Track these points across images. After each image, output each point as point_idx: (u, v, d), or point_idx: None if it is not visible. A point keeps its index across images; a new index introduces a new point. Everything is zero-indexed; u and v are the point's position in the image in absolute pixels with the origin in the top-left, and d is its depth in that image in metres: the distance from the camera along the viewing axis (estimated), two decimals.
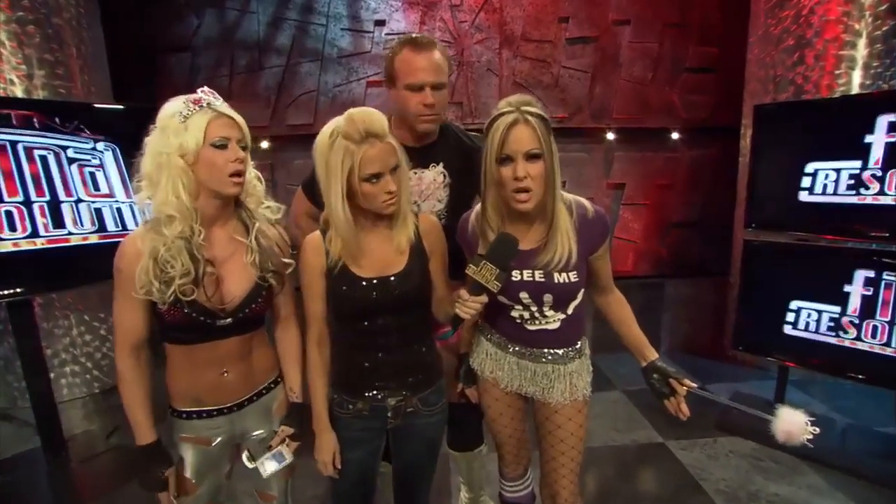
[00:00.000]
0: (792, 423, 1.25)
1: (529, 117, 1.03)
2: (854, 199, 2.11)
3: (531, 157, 1.04)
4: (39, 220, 2.04)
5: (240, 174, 1.01)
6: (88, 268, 2.15)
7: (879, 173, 2.04)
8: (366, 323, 1.12)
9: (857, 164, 2.08)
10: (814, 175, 2.20)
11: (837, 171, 2.14)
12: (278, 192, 3.67)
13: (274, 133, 3.55)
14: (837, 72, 2.54)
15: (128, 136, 2.17)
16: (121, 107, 2.61)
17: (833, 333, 2.19)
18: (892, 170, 2.00)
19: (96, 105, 2.54)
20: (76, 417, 2.80)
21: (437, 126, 1.40)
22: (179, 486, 1.09)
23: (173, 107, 0.99)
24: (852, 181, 2.10)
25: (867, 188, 2.07)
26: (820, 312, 2.22)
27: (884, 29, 2.46)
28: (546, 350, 1.24)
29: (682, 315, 3.59)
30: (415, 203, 1.42)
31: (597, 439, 2.35)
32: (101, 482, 2.21)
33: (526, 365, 1.25)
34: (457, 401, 1.40)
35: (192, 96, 1.00)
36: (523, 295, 1.16)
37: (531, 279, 1.15)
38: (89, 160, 2.19)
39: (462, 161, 1.42)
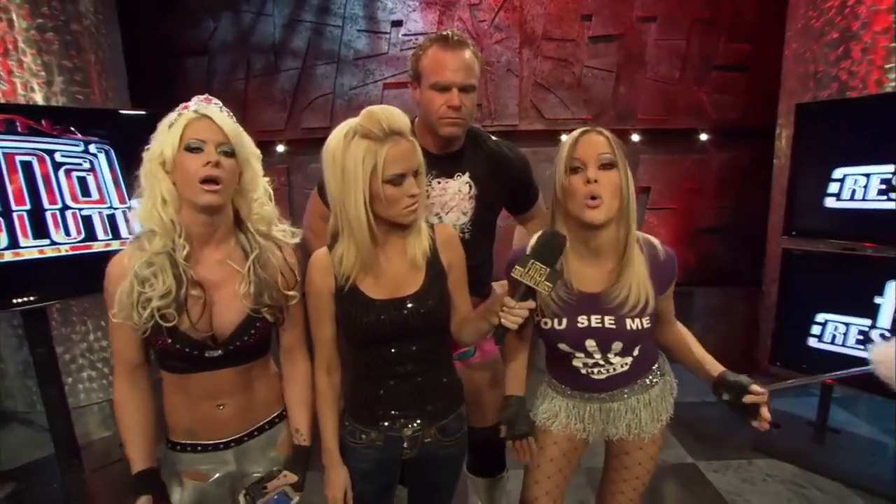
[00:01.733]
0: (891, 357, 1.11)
1: (603, 130, 1.01)
2: None
3: (604, 165, 0.98)
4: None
5: (215, 181, 0.89)
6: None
7: None
8: (379, 348, 1.03)
9: None
10: (867, 178, 2.04)
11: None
12: (294, 197, 3.64)
13: (290, 136, 3.51)
14: (888, 66, 2.35)
15: (123, 137, 2.14)
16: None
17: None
18: None
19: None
20: (93, 423, 2.79)
21: (462, 132, 1.28)
22: None
23: (170, 114, 0.92)
24: None
25: None
26: (866, 327, 2.05)
27: None
28: (625, 389, 1.15)
29: (711, 326, 3.42)
30: (436, 215, 1.32)
31: None
32: (114, 491, 2.18)
33: (610, 407, 1.16)
34: (481, 426, 1.30)
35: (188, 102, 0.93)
36: (589, 343, 1.07)
37: (600, 325, 1.05)
38: (80, 164, 2.09)
39: (490, 170, 1.33)
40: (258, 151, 1.02)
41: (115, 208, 2.15)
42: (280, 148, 3.48)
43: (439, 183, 1.30)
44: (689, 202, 3.46)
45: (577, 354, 1.11)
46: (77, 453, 2.30)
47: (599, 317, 1.05)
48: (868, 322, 2.03)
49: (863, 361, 1.97)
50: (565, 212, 1.03)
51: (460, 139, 1.31)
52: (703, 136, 3.36)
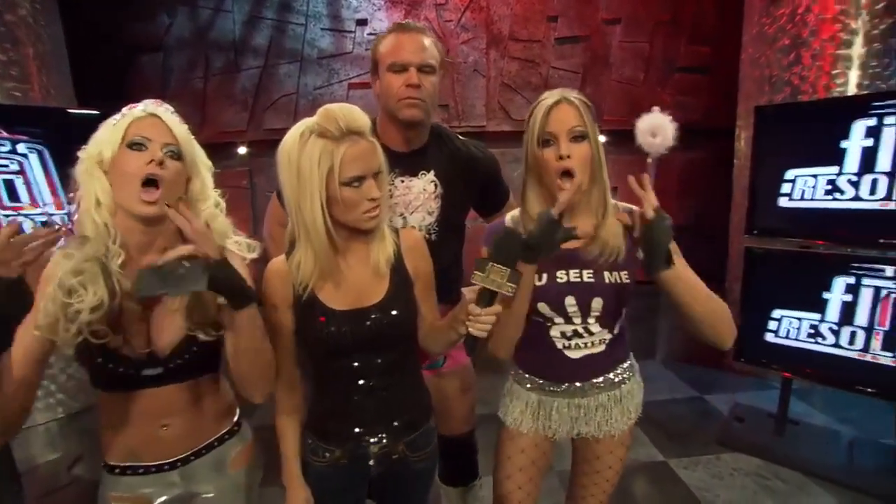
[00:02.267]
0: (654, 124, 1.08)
1: (573, 99, 0.99)
2: (870, 205, 2.02)
3: (576, 137, 0.97)
4: None
5: (156, 184, 0.81)
6: None
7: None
8: (341, 361, 0.97)
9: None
10: (815, 179, 2.13)
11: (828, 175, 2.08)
12: (257, 200, 3.51)
13: (252, 138, 3.39)
14: (835, 72, 2.47)
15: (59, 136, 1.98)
16: None
17: (832, 343, 2.11)
18: None
19: None
20: (38, 445, 2.59)
21: (423, 115, 1.22)
22: None
23: (116, 115, 0.85)
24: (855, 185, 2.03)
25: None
26: (819, 322, 2.13)
27: (881, 27, 2.39)
28: (598, 380, 1.12)
29: (677, 323, 3.49)
30: (401, 216, 1.27)
31: None
32: None
33: (579, 403, 1.12)
34: (452, 434, 1.26)
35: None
36: (569, 301, 1.04)
37: (579, 279, 1.03)
38: (7, 166, 1.94)
39: (456, 169, 1.29)
40: (210, 163, 0.94)
41: (52, 214, 2.00)
42: (242, 150, 3.36)
43: (403, 182, 1.26)
44: None
45: (556, 321, 1.07)
46: (17, 480, 2.13)
47: (578, 271, 1.03)
48: (818, 316, 2.12)
49: (813, 354, 2.13)
50: (538, 180, 1.03)
51: (424, 132, 1.27)
52: None
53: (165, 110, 0.87)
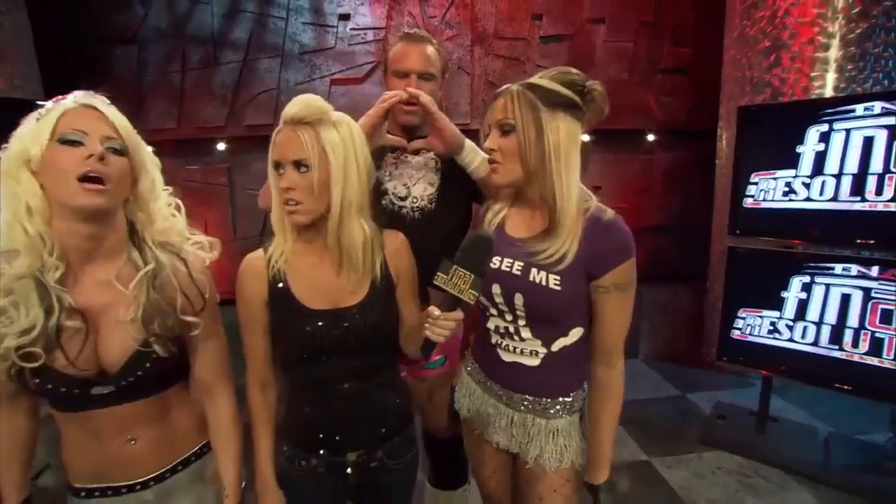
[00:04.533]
0: None
1: (523, 88, 0.92)
2: (848, 206, 2.06)
3: (504, 131, 0.94)
4: None
5: (99, 180, 0.73)
6: None
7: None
8: (317, 364, 0.93)
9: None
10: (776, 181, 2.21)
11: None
12: (237, 198, 3.42)
13: (231, 134, 3.29)
14: (813, 74, 2.50)
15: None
16: None
17: (835, 346, 2.12)
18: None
19: None
20: None
21: (419, 120, 1.29)
22: None
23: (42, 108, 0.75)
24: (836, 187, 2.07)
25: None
26: (831, 325, 2.15)
27: (857, 31, 2.44)
28: (523, 395, 1.03)
29: (659, 322, 3.53)
30: (405, 185, 1.32)
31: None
32: None
33: (501, 410, 1.06)
34: (442, 436, 1.23)
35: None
36: (495, 289, 0.98)
37: (508, 269, 0.97)
38: None
39: None
40: (157, 160, 0.87)
41: None
42: (221, 146, 3.26)
43: (406, 157, 1.34)
44: (637, 201, 3.56)
45: (491, 311, 1.03)
46: None
47: (511, 260, 0.97)
48: (833, 320, 2.13)
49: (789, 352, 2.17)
50: None
51: (423, 130, 1.33)
52: (650, 137, 3.46)
53: (101, 101, 0.78)
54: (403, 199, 1.31)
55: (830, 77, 2.52)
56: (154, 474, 0.89)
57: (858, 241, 2.07)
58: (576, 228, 0.92)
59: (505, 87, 0.96)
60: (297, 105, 0.85)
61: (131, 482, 0.87)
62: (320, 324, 0.91)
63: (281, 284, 0.91)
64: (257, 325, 0.94)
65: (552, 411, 1.02)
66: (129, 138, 0.79)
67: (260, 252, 0.94)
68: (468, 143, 1.23)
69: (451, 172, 1.33)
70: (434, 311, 0.82)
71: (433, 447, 1.47)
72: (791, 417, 2.52)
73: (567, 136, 0.92)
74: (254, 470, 0.99)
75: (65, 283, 0.76)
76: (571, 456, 1.03)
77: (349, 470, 0.98)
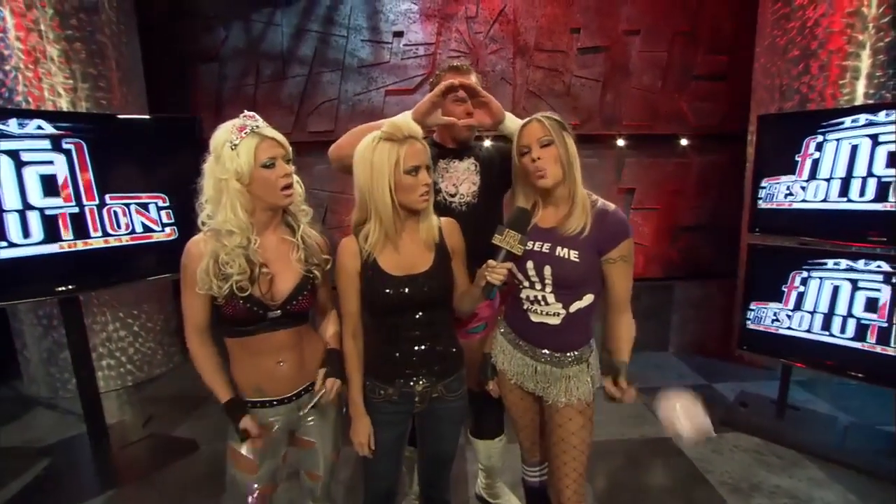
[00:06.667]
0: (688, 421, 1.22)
1: (542, 118, 1.27)
2: (844, 206, 2.24)
3: (544, 145, 1.24)
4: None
5: (289, 186, 1.17)
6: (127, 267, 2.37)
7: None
8: (396, 317, 1.26)
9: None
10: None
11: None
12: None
13: (297, 139, 3.70)
14: (842, 82, 2.63)
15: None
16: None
17: (826, 332, 2.31)
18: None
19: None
20: (112, 408, 2.97)
21: (472, 134, 1.64)
22: (241, 463, 1.24)
23: (222, 136, 1.13)
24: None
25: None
26: (822, 314, 2.31)
27: (886, 40, 2.55)
28: (545, 351, 1.34)
29: (690, 316, 3.68)
30: (454, 185, 1.63)
31: (604, 432, 2.45)
32: (139, 467, 2.37)
33: (528, 362, 1.37)
34: (477, 389, 1.53)
35: (237, 123, 1.13)
36: (529, 265, 1.29)
37: (538, 250, 1.29)
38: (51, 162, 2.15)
39: (491, 154, 1.67)
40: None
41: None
42: None
43: (453, 163, 1.64)
44: (670, 202, 3.72)
45: (524, 284, 1.32)
46: (105, 432, 2.50)
47: (541, 243, 1.29)
48: (844, 310, 2.29)
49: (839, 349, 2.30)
50: (524, 181, 1.33)
51: (471, 141, 1.67)
52: (684, 141, 3.62)
53: (265, 125, 1.16)
54: (453, 196, 1.62)
55: (860, 84, 2.63)
56: (294, 392, 1.27)
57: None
58: (587, 211, 1.26)
59: (530, 118, 1.29)
60: (412, 125, 1.23)
61: (281, 397, 1.25)
62: (400, 286, 1.23)
63: (371, 257, 1.24)
64: (352, 291, 1.27)
65: (564, 362, 1.33)
66: (289, 149, 1.19)
67: (352, 237, 1.28)
68: (508, 114, 1.55)
69: (488, 173, 1.64)
70: (492, 262, 1.18)
71: (472, 400, 1.75)
72: (813, 408, 2.65)
73: (574, 149, 1.27)
74: (347, 400, 1.32)
75: (258, 247, 1.17)
76: (580, 394, 1.33)
77: (416, 398, 1.30)
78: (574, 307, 1.30)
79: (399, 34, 3.60)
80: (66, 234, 2.18)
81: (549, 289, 1.29)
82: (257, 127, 1.14)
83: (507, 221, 1.25)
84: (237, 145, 1.11)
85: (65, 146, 2.17)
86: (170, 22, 3.64)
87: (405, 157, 1.17)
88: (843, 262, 2.23)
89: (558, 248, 1.27)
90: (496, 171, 1.61)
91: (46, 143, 2.13)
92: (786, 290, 2.39)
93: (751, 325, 2.51)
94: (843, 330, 2.24)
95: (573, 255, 1.25)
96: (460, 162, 1.64)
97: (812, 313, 2.33)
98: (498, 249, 1.21)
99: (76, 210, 2.20)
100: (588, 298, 1.30)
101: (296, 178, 1.25)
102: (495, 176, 1.61)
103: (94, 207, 2.25)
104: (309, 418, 1.30)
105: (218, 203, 1.13)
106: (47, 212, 2.13)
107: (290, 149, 1.20)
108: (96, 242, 2.26)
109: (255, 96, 3.75)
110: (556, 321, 1.31)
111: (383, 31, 3.61)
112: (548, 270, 1.27)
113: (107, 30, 2.93)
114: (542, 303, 1.31)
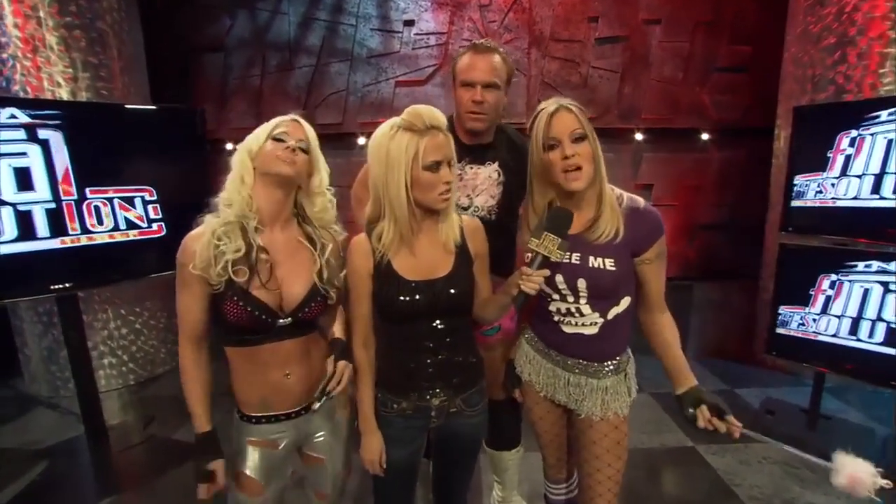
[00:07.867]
0: (857, 471, 1.02)
1: (571, 106, 1.10)
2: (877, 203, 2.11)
3: (577, 139, 1.08)
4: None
5: (293, 161, 1.06)
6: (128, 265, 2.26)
7: None
8: (412, 325, 1.14)
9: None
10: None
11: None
12: None
13: None
14: (882, 70, 2.47)
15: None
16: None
17: (853, 336, 2.18)
18: None
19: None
20: (113, 408, 2.89)
21: (485, 125, 1.42)
22: (245, 486, 1.13)
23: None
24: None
25: None
26: (855, 319, 2.18)
27: None
28: (579, 360, 1.22)
29: (710, 318, 3.54)
30: (468, 197, 1.46)
31: None
32: (139, 471, 2.29)
33: (559, 373, 1.25)
34: (498, 398, 1.41)
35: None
36: (559, 279, 1.16)
37: (567, 261, 1.14)
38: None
39: (515, 161, 1.46)
40: (328, 168, 1.17)
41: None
42: None
43: (472, 168, 1.46)
44: (689, 199, 3.58)
45: (553, 297, 1.19)
46: (105, 434, 2.42)
47: (570, 253, 1.14)
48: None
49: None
50: (543, 179, 1.16)
51: (487, 133, 1.46)
52: (705, 136, 3.48)
53: (301, 119, 1.12)
54: (466, 208, 1.45)
55: None
56: (302, 405, 1.15)
57: None
58: (617, 212, 1.12)
59: (552, 104, 1.11)
60: (437, 112, 1.07)
61: (287, 411, 1.14)
62: (416, 292, 1.11)
63: (385, 257, 1.12)
64: (363, 293, 1.14)
65: (602, 373, 1.21)
66: (314, 144, 1.10)
67: (363, 235, 1.15)
68: None
69: (513, 185, 1.45)
70: (527, 269, 1.03)
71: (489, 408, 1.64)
72: (846, 418, 2.51)
73: (598, 144, 1.12)
74: (357, 413, 1.21)
75: (257, 232, 1.07)
76: (617, 408, 1.21)
77: (433, 413, 1.18)
78: (612, 314, 1.18)
79: (410, 23, 3.48)
80: (72, 227, 2.09)
81: (583, 301, 1.17)
82: (295, 115, 1.12)
83: (544, 222, 1.06)
84: (265, 126, 1.10)
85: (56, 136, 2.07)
86: (173, 10, 3.54)
87: (425, 150, 1.03)
88: (875, 265, 2.10)
89: (591, 259, 1.13)
90: (521, 179, 1.40)
91: (58, 135, 2.05)
92: (813, 292, 2.26)
93: (780, 330, 2.37)
94: (871, 335, 2.12)
95: (609, 265, 1.12)
96: (481, 167, 1.46)
97: (840, 317, 2.20)
98: (533, 254, 1.04)
99: (74, 200, 2.10)
100: (626, 302, 1.18)
101: (330, 195, 1.18)
102: (518, 185, 1.41)
103: (95, 203, 2.15)
104: (318, 434, 1.19)
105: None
106: (46, 206, 2.03)
107: (313, 142, 1.11)
108: (100, 238, 2.17)
109: (260, 87, 3.65)
110: (593, 330, 1.19)
111: (393, 19, 3.49)
112: (582, 284, 1.15)
113: (108, 17, 2.83)
114: (577, 314, 1.19)
